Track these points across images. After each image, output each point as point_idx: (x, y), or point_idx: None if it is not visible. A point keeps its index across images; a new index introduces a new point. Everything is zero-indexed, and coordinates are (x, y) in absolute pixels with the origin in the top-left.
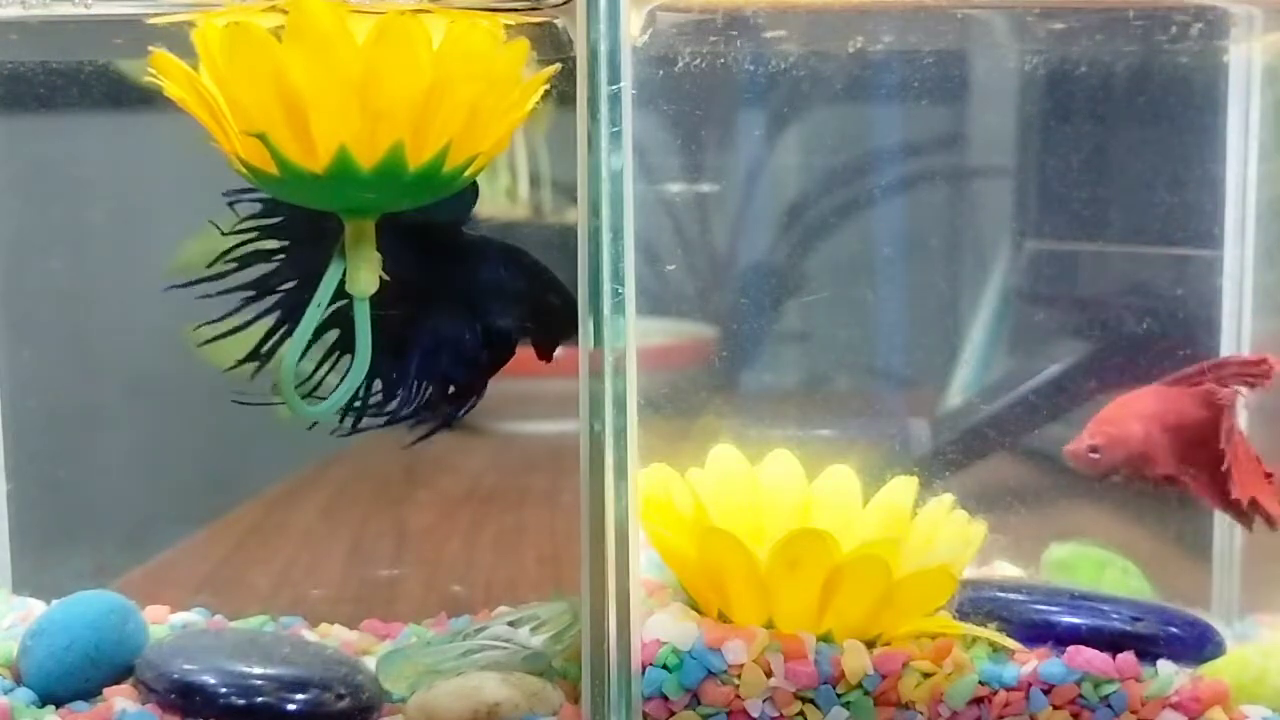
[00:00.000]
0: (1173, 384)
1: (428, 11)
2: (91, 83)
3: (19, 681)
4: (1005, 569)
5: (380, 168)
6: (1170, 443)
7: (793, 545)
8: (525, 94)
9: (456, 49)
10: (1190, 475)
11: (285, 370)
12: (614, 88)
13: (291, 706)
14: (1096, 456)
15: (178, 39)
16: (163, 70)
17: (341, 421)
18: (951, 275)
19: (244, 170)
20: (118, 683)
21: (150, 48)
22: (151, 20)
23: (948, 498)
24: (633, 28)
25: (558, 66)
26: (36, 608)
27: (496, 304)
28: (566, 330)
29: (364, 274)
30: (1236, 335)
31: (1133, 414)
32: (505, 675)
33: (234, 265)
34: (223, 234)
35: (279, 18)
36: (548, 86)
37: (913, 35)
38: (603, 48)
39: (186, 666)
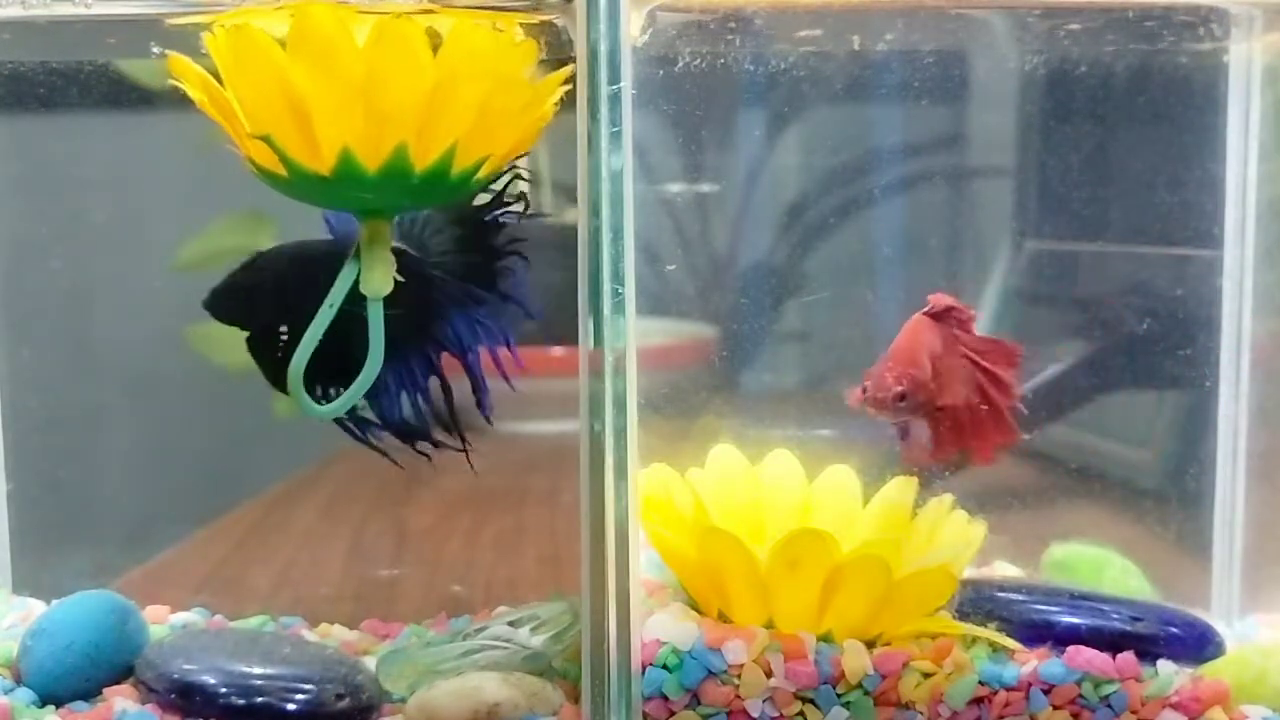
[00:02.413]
0: (931, 316)
1: (432, 12)
2: (91, 83)
3: (19, 681)
4: (1005, 569)
5: (385, 169)
6: (948, 373)
7: (793, 545)
8: (541, 94)
9: (459, 49)
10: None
11: (295, 371)
12: (614, 88)
13: (291, 706)
14: (904, 404)
15: (177, 39)
16: (179, 74)
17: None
18: (952, 275)
19: (256, 171)
20: (118, 683)
21: (156, 48)
22: (170, 22)
23: (948, 498)
24: (633, 28)
25: (573, 67)
26: (36, 608)
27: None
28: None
29: (378, 275)
30: (1236, 335)
31: (920, 349)
32: (505, 675)
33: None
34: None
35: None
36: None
37: (912, 35)
38: (603, 48)
39: (186, 666)
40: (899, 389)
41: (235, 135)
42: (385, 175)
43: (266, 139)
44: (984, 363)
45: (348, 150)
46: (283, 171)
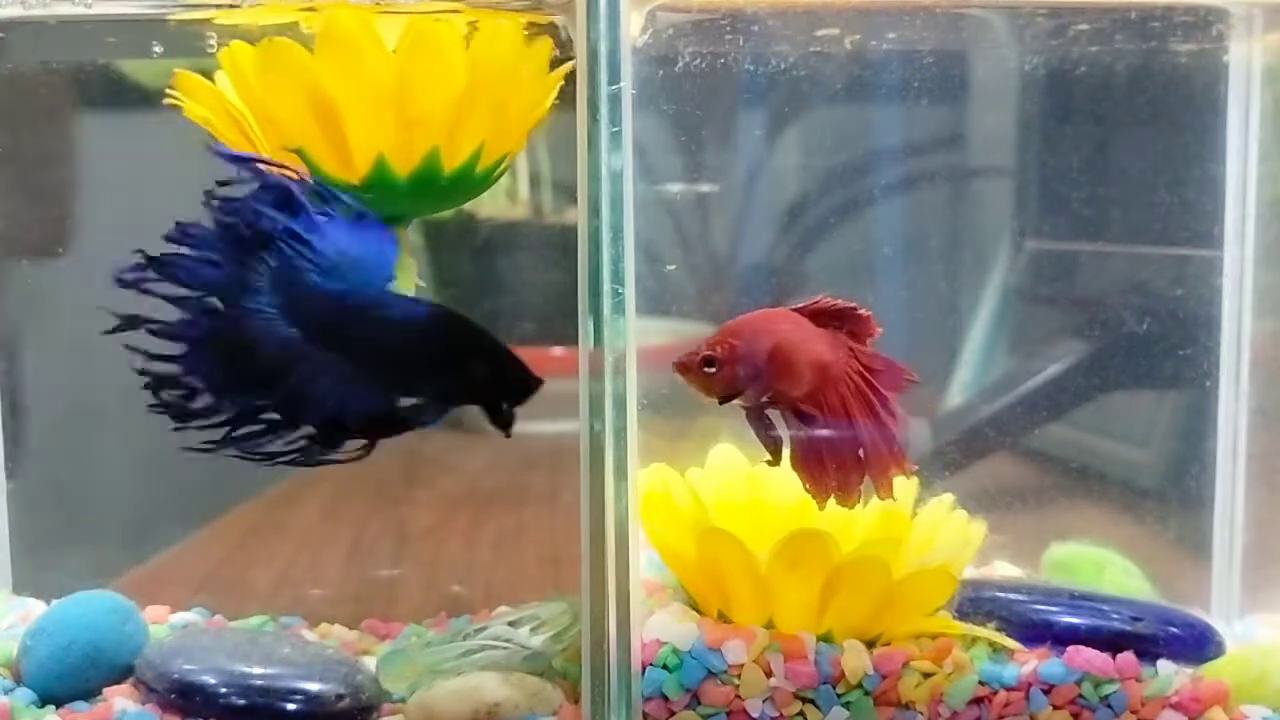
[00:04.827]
0: (807, 313)
1: (456, 11)
2: (91, 83)
3: (19, 681)
4: (1005, 569)
5: (417, 174)
6: (805, 374)
7: (793, 545)
8: (544, 93)
9: (488, 51)
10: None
11: None
12: (614, 88)
13: (291, 706)
14: (713, 371)
15: (177, 38)
16: (188, 90)
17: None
18: (951, 275)
19: None
20: (118, 683)
21: (156, 48)
22: (170, 19)
23: (948, 498)
24: (633, 28)
25: (571, 65)
26: (36, 608)
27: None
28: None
29: (399, 280)
30: (1236, 335)
31: (766, 331)
32: (505, 675)
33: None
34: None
35: (291, 16)
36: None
37: (912, 35)
38: (603, 48)
39: (186, 666)
40: (706, 353)
41: (250, 150)
42: (416, 180)
43: (299, 152)
44: (877, 383)
45: (382, 158)
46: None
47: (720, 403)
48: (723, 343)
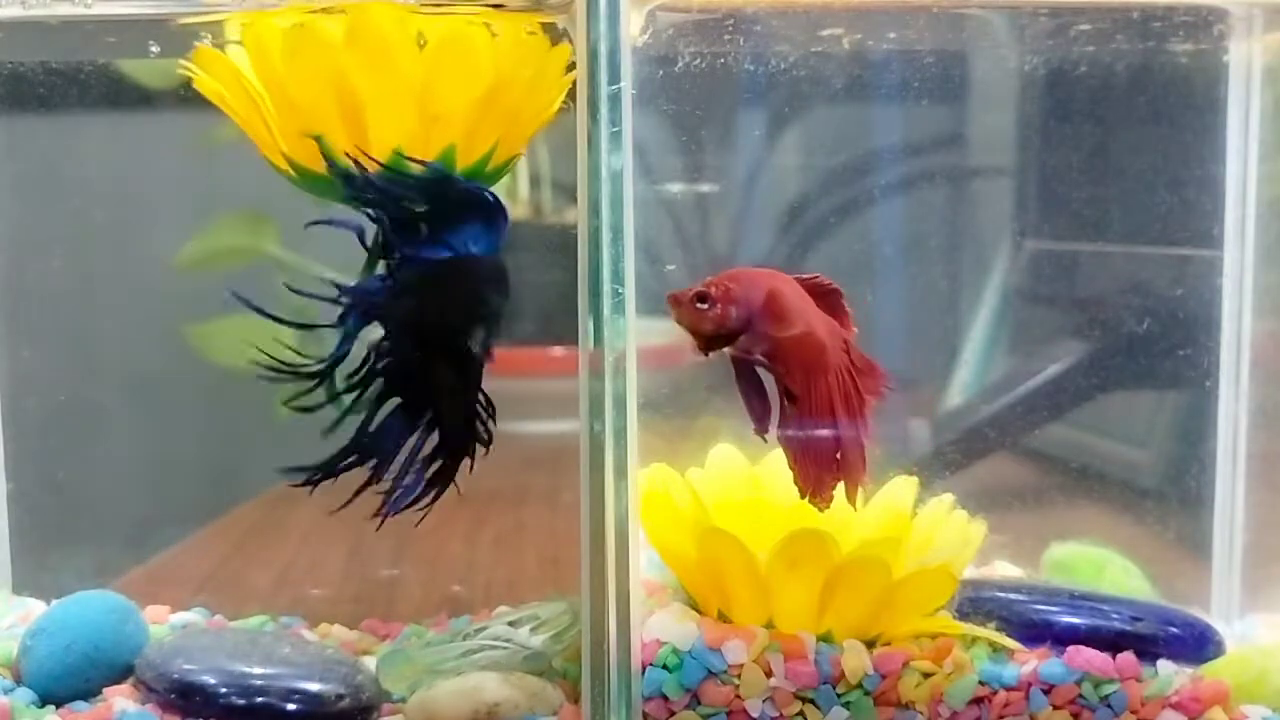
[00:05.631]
0: (804, 285)
1: (458, 10)
2: (91, 83)
3: (19, 681)
4: (1005, 569)
5: None
6: (796, 325)
7: (793, 545)
8: (556, 96)
9: (513, 55)
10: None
11: None
12: (614, 88)
13: (291, 706)
14: (704, 308)
15: (177, 38)
16: (206, 66)
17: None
18: (951, 275)
19: (289, 170)
20: (118, 683)
21: (154, 47)
22: (183, 20)
23: (948, 498)
24: (633, 28)
25: (574, 75)
26: (36, 608)
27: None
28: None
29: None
30: (1236, 335)
31: (764, 281)
32: (505, 675)
33: None
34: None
35: (300, 17)
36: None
37: (912, 35)
38: (603, 48)
39: (186, 666)
40: (699, 289)
41: (263, 132)
42: None
43: (319, 139)
44: (859, 384)
45: (398, 152)
46: (322, 170)
47: (707, 350)
48: (719, 283)
